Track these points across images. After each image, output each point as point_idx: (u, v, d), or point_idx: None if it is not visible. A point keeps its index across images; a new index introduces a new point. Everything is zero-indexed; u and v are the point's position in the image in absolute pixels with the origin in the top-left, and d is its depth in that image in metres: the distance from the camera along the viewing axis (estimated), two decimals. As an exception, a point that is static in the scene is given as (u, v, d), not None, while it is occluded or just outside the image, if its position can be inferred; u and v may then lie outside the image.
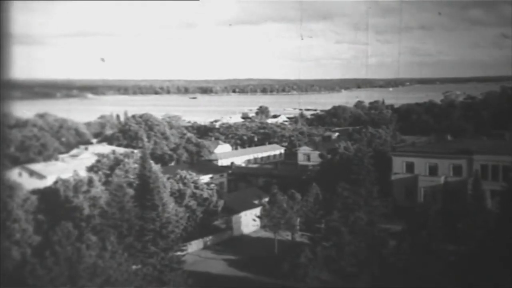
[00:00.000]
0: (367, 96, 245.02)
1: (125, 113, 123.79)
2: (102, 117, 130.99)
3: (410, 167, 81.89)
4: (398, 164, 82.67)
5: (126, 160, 69.67)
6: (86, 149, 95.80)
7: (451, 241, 52.22)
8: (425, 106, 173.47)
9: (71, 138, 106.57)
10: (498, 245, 47.63)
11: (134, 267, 45.96)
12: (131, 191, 53.50)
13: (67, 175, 64.53)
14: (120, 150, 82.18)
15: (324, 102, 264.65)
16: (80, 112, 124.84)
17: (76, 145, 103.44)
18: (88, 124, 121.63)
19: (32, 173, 77.09)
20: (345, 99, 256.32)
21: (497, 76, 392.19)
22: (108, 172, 68.64)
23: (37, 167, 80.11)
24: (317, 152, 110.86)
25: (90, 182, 62.14)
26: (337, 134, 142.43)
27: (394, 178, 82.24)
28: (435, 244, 46.89)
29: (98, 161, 71.94)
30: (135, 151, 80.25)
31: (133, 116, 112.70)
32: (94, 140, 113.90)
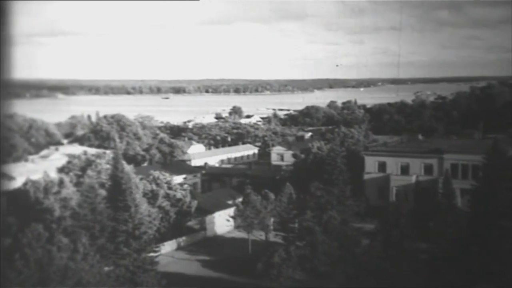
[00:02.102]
0: (339, 96, 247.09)
1: (97, 114, 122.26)
2: (73, 117, 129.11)
3: (382, 166, 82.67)
4: (371, 164, 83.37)
5: (98, 160, 68.83)
6: (57, 150, 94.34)
7: (422, 239, 52.87)
8: (397, 106, 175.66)
9: (41, 139, 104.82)
10: (468, 243, 48.43)
11: (106, 268, 45.39)
12: (103, 192, 52.89)
13: (37, 176, 63.41)
14: (92, 150, 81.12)
15: (297, 102, 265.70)
16: (50, 113, 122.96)
17: (46, 146, 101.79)
18: (58, 125, 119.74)
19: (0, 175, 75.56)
20: (318, 99, 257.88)
21: (466, 77, 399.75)
22: (79, 173, 67.72)
23: (6, 168, 78.55)
24: (291, 152, 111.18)
25: (61, 183, 61.20)
26: (310, 134, 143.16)
27: (367, 177, 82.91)
28: (407, 242, 47.39)
29: (69, 162, 70.94)
30: (107, 151, 79.28)
31: (105, 117, 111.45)
32: (65, 141, 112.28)
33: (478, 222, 49.54)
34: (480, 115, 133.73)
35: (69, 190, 60.63)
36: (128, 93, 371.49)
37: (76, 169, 68.60)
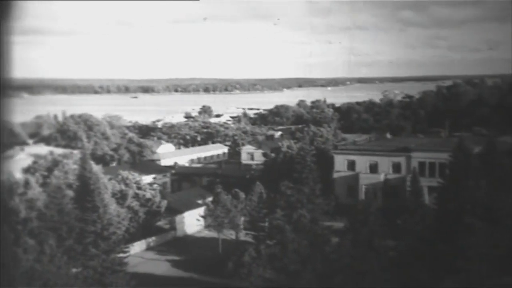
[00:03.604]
0: (309, 95, 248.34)
1: (63, 113, 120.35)
2: (38, 117, 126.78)
3: (351, 165, 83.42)
4: (340, 162, 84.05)
5: (65, 161, 67.83)
6: (22, 150, 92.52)
7: (391, 237, 53.47)
8: (365, 105, 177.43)
9: (5, 139, 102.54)
10: (435, 239, 49.17)
11: (74, 270, 44.80)
12: (70, 193, 52.17)
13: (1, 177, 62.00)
14: (59, 151, 79.86)
15: (267, 101, 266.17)
16: (15, 112, 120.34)
17: (11, 146, 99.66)
18: (23, 124, 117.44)
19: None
20: (287, 98, 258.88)
21: (432, 76, 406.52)
22: (45, 173, 66.59)
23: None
24: (261, 151, 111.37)
25: (26, 184, 60.04)
26: (280, 133, 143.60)
27: (336, 176, 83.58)
28: (376, 240, 47.82)
29: (34, 162, 69.74)
30: (75, 151, 78.17)
31: (72, 116, 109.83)
32: (30, 141, 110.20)
33: (444, 219, 50.34)
34: (446, 114, 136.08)
35: (35, 191, 59.51)
36: (96, 92, 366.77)
37: (42, 170, 67.47)
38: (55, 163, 68.01)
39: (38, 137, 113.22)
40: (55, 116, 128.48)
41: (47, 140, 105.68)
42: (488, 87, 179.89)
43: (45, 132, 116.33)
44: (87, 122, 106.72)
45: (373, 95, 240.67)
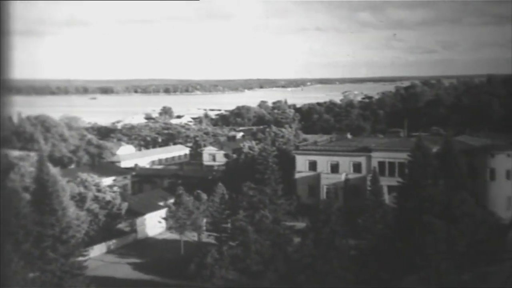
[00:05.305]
0: (270, 96, 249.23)
1: (19, 114, 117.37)
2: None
3: (312, 165, 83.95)
4: (301, 163, 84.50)
5: (21, 163, 66.13)
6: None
7: (352, 236, 54.06)
8: (326, 105, 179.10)
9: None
10: (395, 238, 49.93)
11: (31, 274, 43.71)
12: (27, 196, 50.89)
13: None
14: (14, 153, 77.81)
15: (228, 102, 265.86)
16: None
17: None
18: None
19: None
20: (249, 99, 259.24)
21: (390, 77, 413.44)
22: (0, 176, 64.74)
23: None
24: (222, 152, 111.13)
25: (-19, 187, 58.27)
26: (241, 133, 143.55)
27: (298, 176, 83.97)
28: (337, 239, 48.23)
29: (-11, 165, 67.69)
30: (31, 153, 76.33)
31: (28, 118, 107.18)
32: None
33: (404, 218, 51.16)
34: (405, 114, 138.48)
35: (-10, 194, 57.83)
36: (53, 93, 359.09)
37: (-2, 173, 65.58)
38: (10, 165, 66.23)
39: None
40: (10, 118, 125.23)
41: (1, 143, 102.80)
42: (445, 88, 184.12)
43: None
44: (44, 124, 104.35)
45: (334, 95, 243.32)
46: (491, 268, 54.51)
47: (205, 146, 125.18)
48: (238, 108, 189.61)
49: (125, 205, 72.34)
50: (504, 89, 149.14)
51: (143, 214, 75.41)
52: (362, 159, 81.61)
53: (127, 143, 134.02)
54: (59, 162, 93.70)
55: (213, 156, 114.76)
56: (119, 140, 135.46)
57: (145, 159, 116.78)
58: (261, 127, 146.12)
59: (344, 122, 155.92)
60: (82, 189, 68.67)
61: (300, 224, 59.71)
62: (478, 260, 52.82)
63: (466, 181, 65.54)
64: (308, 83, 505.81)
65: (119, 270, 62.04)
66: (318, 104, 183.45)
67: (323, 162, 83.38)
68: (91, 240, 65.59)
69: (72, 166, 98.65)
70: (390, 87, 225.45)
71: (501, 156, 76.96)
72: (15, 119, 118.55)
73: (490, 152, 77.36)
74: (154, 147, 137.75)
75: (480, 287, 50.23)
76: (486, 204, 71.66)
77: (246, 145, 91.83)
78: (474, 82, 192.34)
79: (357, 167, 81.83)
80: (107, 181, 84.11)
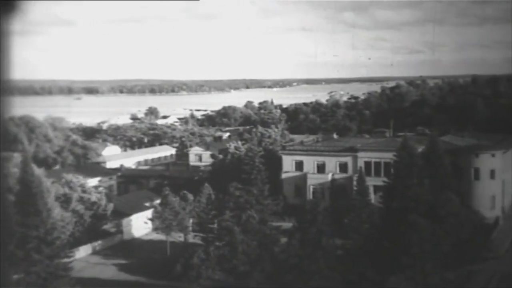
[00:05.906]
0: (256, 96, 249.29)
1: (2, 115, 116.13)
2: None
3: (299, 165, 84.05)
4: (288, 163, 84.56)
5: (4, 164, 65.43)
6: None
7: (338, 236, 54.22)
8: (312, 106, 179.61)
9: None
10: (381, 237, 50.19)
11: (15, 276, 43.26)
12: (11, 197, 50.32)
13: None
14: (-2, 153, 77.00)
15: (214, 102, 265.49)
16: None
17: None
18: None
19: None
20: (235, 99, 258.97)
21: (376, 77, 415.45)
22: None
23: None
24: (209, 153, 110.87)
25: (-36, 188, 57.59)
26: (228, 134, 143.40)
27: (284, 176, 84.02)
28: (324, 239, 48.35)
29: (-28, 166, 66.95)
30: (15, 154, 75.60)
31: (11, 118, 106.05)
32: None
33: (390, 218, 51.44)
34: (390, 114, 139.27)
35: (-26, 195, 57.18)
36: (37, 93, 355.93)
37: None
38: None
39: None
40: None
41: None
42: (430, 88, 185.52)
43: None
44: (28, 124, 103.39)
45: (320, 96, 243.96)
46: (475, 267, 55.04)
47: (191, 146, 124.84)
48: (224, 108, 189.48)
49: (110, 206, 71.90)
50: (488, 90, 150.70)
51: (129, 215, 75.02)
52: (348, 159, 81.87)
53: (113, 143, 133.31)
54: (44, 163, 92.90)
55: (199, 156, 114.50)
56: (105, 140, 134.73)
57: (131, 159, 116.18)
58: (248, 127, 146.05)
59: (330, 122, 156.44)
60: (67, 190, 68.14)
61: (287, 224, 59.77)
62: (463, 260, 53.29)
63: (451, 181, 65.98)
64: (294, 83, 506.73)
65: (105, 271, 61.65)
66: (305, 104, 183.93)
67: (310, 162, 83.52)
68: (77, 241, 65.09)
69: (57, 167, 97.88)
70: (376, 88, 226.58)
71: (485, 156, 77.61)
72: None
73: (475, 152, 77.99)
74: (140, 147, 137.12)
75: (465, 286, 50.67)
76: (471, 204, 72.25)
77: (232, 145, 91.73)
78: (459, 82, 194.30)
79: (343, 167, 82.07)
80: (92, 182, 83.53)
